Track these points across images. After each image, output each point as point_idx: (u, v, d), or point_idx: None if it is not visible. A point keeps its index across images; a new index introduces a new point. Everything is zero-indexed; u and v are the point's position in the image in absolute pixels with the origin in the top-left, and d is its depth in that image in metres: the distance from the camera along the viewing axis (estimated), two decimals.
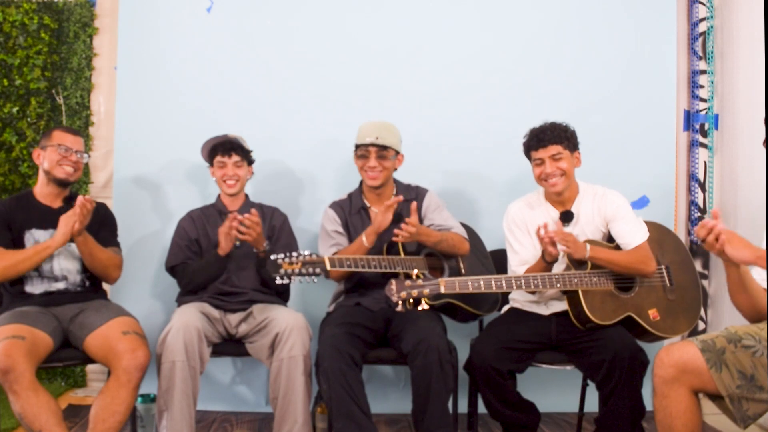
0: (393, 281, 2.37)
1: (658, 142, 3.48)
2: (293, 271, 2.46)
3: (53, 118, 3.46)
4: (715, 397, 2.07)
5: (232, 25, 3.42)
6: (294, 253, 2.49)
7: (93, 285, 2.79)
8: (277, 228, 2.98)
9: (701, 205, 3.58)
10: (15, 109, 3.41)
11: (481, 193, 3.44)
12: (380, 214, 2.74)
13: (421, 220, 2.94)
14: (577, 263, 2.64)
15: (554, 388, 3.30)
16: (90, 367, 3.49)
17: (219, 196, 3.02)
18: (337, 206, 2.95)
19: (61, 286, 2.70)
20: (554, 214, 2.75)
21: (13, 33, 3.40)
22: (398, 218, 2.86)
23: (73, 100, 3.46)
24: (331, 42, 3.43)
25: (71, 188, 2.82)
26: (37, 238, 2.67)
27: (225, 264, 2.84)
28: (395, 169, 2.93)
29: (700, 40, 3.56)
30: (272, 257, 2.47)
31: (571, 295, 2.61)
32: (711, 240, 1.99)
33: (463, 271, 2.89)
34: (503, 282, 2.54)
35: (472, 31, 3.46)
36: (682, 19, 3.60)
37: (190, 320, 2.61)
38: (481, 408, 2.72)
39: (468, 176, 3.44)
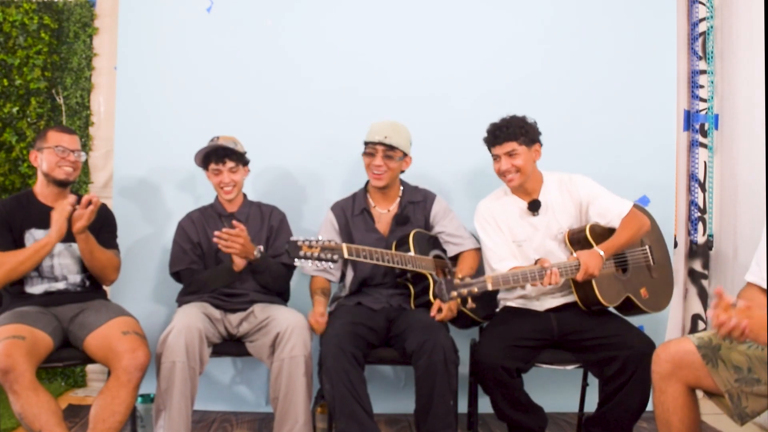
0: (443, 281, 2.39)
1: (658, 142, 3.48)
2: (312, 255, 2.47)
3: (53, 118, 3.46)
4: (713, 395, 2.07)
5: (232, 25, 3.42)
6: (313, 238, 2.51)
7: (93, 285, 2.79)
8: (275, 228, 2.98)
9: (701, 205, 3.58)
10: (15, 109, 3.41)
11: (480, 192, 3.41)
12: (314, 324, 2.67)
13: (428, 225, 2.95)
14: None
15: (554, 388, 3.29)
16: (90, 367, 3.49)
17: (217, 197, 3.01)
18: (338, 208, 2.96)
19: (61, 286, 2.70)
20: (522, 204, 2.79)
21: (13, 33, 3.40)
22: (404, 221, 2.88)
23: (73, 100, 3.46)
24: (332, 41, 3.42)
25: (71, 188, 2.82)
26: (37, 237, 2.67)
27: (237, 277, 2.84)
28: (402, 171, 2.92)
29: (700, 40, 3.56)
30: (292, 239, 2.49)
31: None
32: (737, 337, 1.88)
33: None
34: (537, 274, 2.54)
35: (473, 31, 3.46)
36: (682, 19, 3.60)
37: (192, 321, 2.61)
38: (481, 408, 2.72)
39: (467, 175, 3.44)
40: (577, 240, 2.70)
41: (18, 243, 2.65)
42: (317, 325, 2.66)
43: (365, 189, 2.98)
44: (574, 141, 3.35)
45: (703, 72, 3.57)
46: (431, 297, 2.74)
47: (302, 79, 3.42)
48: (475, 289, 2.40)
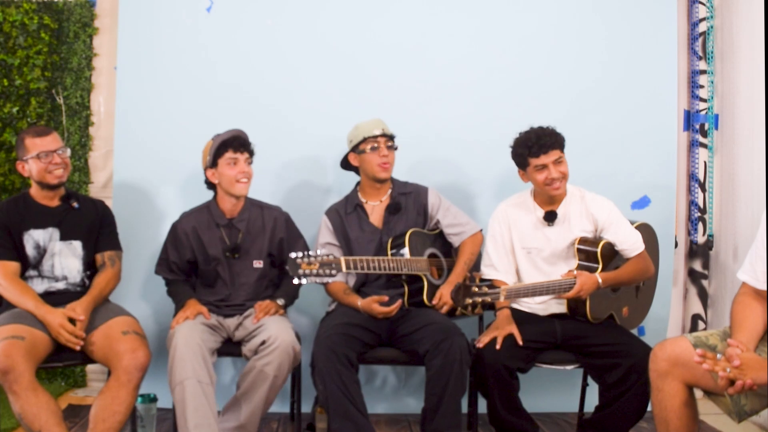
0: (461, 287, 2.42)
1: (658, 142, 3.47)
2: (311, 272, 2.49)
3: (53, 118, 3.46)
4: (712, 394, 2.08)
5: (232, 25, 3.41)
6: (311, 254, 2.51)
7: None
8: (285, 239, 2.91)
9: (701, 205, 3.58)
10: (15, 109, 3.41)
11: (479, 192, 3.43)
12: (382, 312, 2.72)
13: (426, 219, 2.98)
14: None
15: (554, 388, 3.30)
16: (90, 367, 3.49)
17: (216, 200, 2.89)
18: (332, 211, 2.98)
19: (61, 286, 2.70)
20: (539, 213, 2.80)
21: (13, 33, 3.40)
22: (396, 208, 2.92)
23: (73, 100, 3.46)
24: (331, 41, 3.42)
25: (67, 186, 2.79)
26: (36, 238, 2.67)
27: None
28: None
29: (700, 40, 3.56)
30: (292, 256, 2.49)
31: None
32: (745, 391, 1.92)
33: None
34: (546, 288, 2.59)
35: (473, 30, 3.46)
36: (682, 19, 3.59)
37: (191, 337, 2.57)
38: (481, 408, 2.72)
39: (467, 176, 3.44)
40: (586, 252, 2.72)
41: (18, 245, 2.65)
42: (388, 310, 2.70)
43: (356, 188, 3.02)
44: (575, 141, 3.31)
45: (703, 72, 3.57)
46: (425, 299, 2.78)
47: (302, 79, 3.41)
48: (489, 299, 2.43)
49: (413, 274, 2.79)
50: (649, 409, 2.36)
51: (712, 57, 3.57)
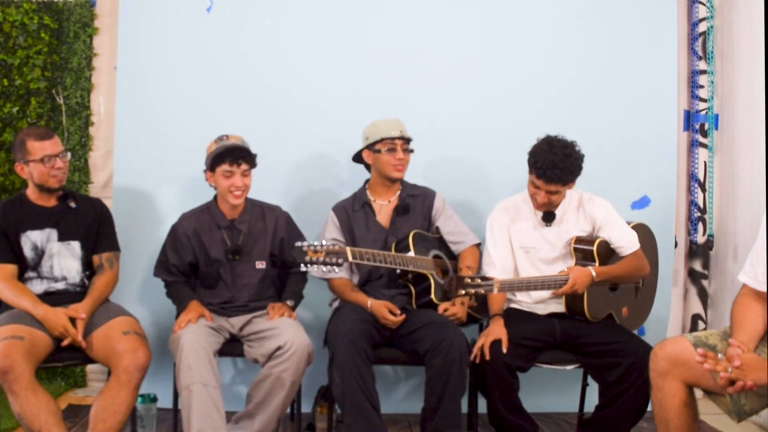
0: (454, 278, 2.43)
1: (658, 142, 3.47)
2: (317, 260, 2.50)
3: (53, 118, 3.46)
4: (712, 393, 2.08)
5: (232, 25, 3.41)
6: (318, 243, 2.52)
7: None
8: (285, 239, 2.90)
9: (701, 205, 3.58)
10: (15, 109, 3.41)
11: (481, 193, 3.43)
12: (390, 321, 2.71)
13: (430, 223, 2.99)
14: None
15: (554, 388, 3.30)
16: (90, 367, 3.49)
17: (216, 201, 2.89)
18: (339, 208, 2.97)
19: (60, 286, 2.70)
20: (538, 213, 2.81)
21: (13, 33, 3.40)
22: (405, 210, 2.92)
23: (73, 100, 3.46)
24: (332, 41, 3.42)
25: (65, 186, 2.78)
26: (33, 239, 2.67)
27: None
28: None
29: (700, 40, 3.56)
30: (298, 244, 2.51)
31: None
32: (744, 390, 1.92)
33: None
34: (541, 283, 2.60)
35: (474, 31, 3.46)
36: (682, 19, 3.59)
37: (197, 340, 2.56)
38: (481, 408, 2.72)
39: (468, 177, 3.44)
40: (582, 251, 2.73)
41: (15, 247, 2.65)
42: (395, 320, 2.70)
43: (364, 186, 3.01)
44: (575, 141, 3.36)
45: (703, 72, 3.57)
46: (433, 297, 2.77)
47: (302, 80, 3.41)
48: (482, 291, 2.42)
49: (419, 272, 2.78)
50: (649, 409, 2.37)
51: (712, 57, 3.57)
